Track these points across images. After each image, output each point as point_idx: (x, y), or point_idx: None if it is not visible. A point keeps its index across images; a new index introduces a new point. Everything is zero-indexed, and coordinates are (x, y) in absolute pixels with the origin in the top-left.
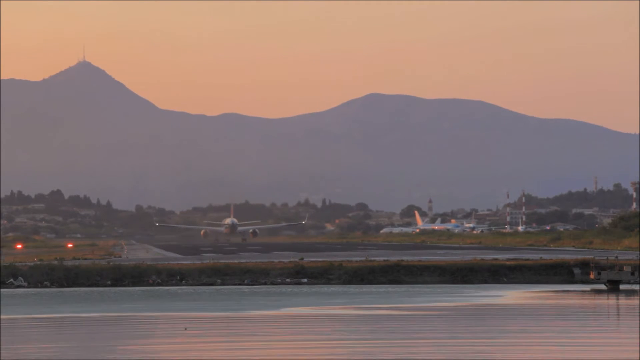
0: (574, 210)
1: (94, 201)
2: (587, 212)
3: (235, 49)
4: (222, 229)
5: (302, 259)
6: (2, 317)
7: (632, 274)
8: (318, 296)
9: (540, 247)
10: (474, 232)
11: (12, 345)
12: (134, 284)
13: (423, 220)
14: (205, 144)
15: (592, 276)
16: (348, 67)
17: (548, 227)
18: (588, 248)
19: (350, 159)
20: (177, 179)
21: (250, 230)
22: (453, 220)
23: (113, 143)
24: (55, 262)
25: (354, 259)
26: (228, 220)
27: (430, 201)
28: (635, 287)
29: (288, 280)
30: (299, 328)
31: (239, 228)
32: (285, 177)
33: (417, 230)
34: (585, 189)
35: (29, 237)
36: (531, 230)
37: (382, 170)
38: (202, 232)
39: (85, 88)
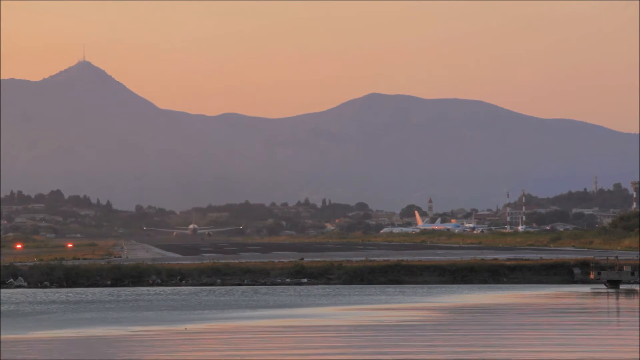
0: (574, 210)
1: (94, 201)
2: (587, 212)
3: (235, 49)
4: (188, 231)
5: (302, 259)
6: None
7: (632, 274)
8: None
9: (540, 247)
10: (474, 232)
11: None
12: (134, 284)
13: (423, 220)
14: (205, 144)
15: (592, 276)
16: (348, 67)
17: (548, 227)
18: (588, 248)
19: (350, 158)
20: (177, 179)
21: (206, 233)
22: (453, 220)
23: (113, 143)
24: (55, 262)
25: (354, 259)
26: (191, 226)
27: (430, 201)
28: (635, 287)
29: (288, 280)
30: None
31: (199, 231)
32: (285, 177)
33: (417, 231)
34: (585, 189)
35: (29, 237)
36: (531, 230)
37: (382, 170)
38: (174, 234)
39: (85, 88)
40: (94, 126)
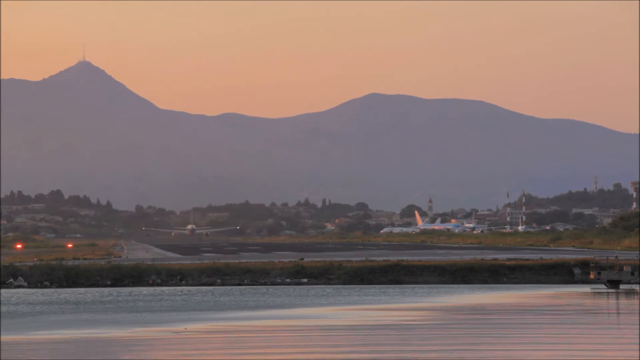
0: (574, 210)
1: (94, 201)
2: (587, 212)
3: (235, 49)
4: (186, 231)
5: (302, 259)
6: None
7: (632, 274)
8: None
9: (540, 247)
10: (474, 232)
11: None
12: (134, 284)
13: (423, 220)
14: (205, 144)
15: (592, 276)
16: (348, 67)
17: (548, 227)
18: (588, 248)
19: (350, 158)
20: (177, 179)
21: (204, 233)
22: (453, 220)
23: (113, 143)
24: (55, 262)
25: (354, 259)
26: (189, 226)
27: (430, 201)
28: (635, 287)
29: (288, 280)
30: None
31: (197, 231)
32: (285, 177)
33: (417, 231)
34: (585, 189)
35: (29, 237)
36: (531, 230)
37: (382, 170)
38: (173, 234)
39: (85, 88)
40: (94, 126)
